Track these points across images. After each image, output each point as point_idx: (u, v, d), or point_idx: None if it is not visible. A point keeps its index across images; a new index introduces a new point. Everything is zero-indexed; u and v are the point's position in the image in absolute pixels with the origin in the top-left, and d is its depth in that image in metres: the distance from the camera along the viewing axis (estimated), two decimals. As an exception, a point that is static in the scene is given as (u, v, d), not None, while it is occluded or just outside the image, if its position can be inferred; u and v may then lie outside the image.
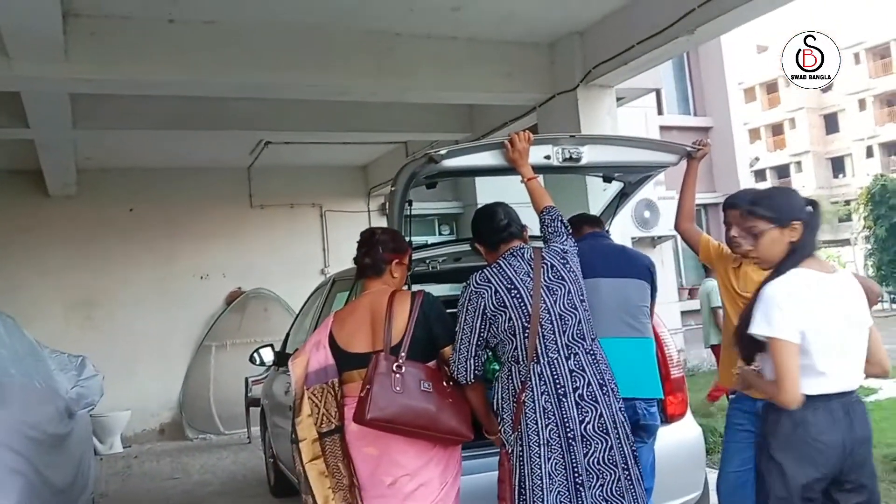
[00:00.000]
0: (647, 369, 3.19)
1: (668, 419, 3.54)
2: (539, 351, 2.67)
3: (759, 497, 2.49)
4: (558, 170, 3.28)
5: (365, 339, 2.71)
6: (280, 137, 8.07)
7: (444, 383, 2.69)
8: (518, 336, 2.69)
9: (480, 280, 2.76)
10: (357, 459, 2.65)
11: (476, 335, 2.71)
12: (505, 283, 2.73)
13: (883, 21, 36.68)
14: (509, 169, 3.06)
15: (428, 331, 2.71)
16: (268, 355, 5.46)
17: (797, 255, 2.38)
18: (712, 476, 3.66)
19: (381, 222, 9.01)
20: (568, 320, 2.74)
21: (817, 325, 2.30)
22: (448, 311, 2.88)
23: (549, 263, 2.80)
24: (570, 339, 2.73)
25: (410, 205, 3.27)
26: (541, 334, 2.68)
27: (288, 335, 5.94)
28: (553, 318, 2.71)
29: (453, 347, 2.73)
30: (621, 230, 6.40)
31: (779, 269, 2.38)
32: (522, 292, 2.71)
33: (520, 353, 2.69)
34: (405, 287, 3.02)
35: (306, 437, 2.66)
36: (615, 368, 2.84)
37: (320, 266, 10.19)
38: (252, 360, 5.51)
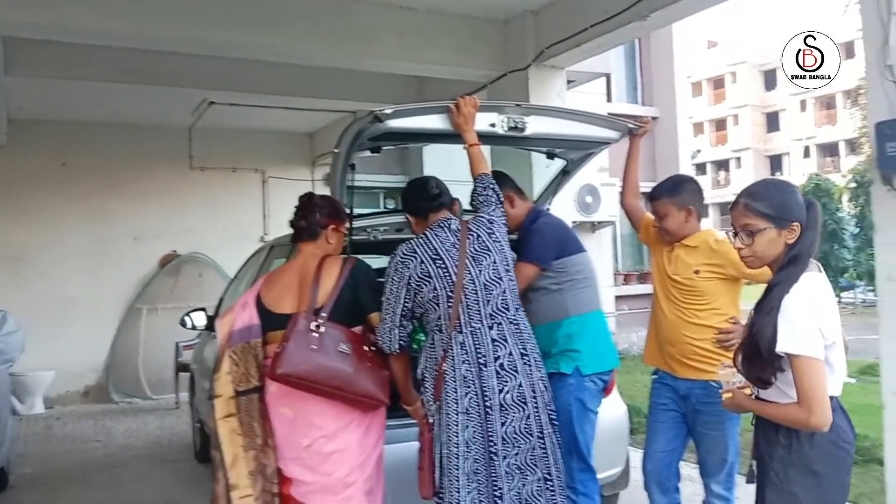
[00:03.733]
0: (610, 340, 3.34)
1: (596, 396, 3.61)
2: (462, 320, 2.70)
3: None
4: (503, 140, 3.29)
5: (291, 301, 2.70)
6: (225, 98, 7.85)
7: (366, 348, 2.69)
8: (442, 305, 2.70)
9: (406, 251, 2.77)
10: (274, 420, 2.63)
11: (401, 305, 2.72)
12: (430, 253, 2.75)
13: (829, 26, 37.77)
14: (455, 135, 3.05)
15: (355, 296, 2.71)
16: (199, 319, 5.34)
17: (803, 259, 2.13)
18: (633, 454, 3.76)
19: (326, 192, 8.94)
20: (492, 290, 2.76)
21: (832, 328, 2.11)
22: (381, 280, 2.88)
23: (475, 233, 2.83)
24: (495, 308, 2.76)
25: (353, 169, 3.23)
26: (465, 303, 2.70)
27: (222, 300, 5.83)
28: (478, 288, 2.73)
29: (380, 317, 2.73)
30: (562, 213, 6.49)
31: (789, 276, 2.11)
32: (447, 262, 2.73)
33: (443, 322, 2.71)
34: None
35: (222, 393, 2.65)
36: (604, 341, 3.04)
37: (260, 233, 10.01)
38: (183, 323, 5.39)
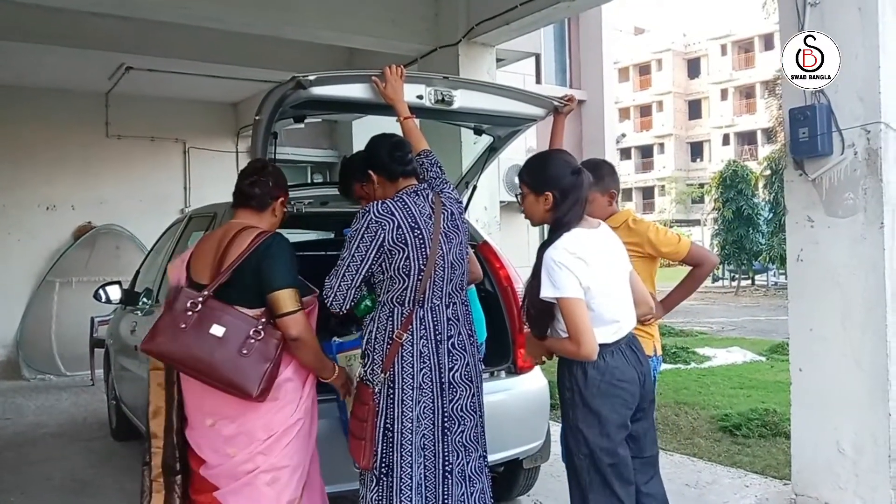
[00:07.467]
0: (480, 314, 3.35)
1: (518, 371, 3.67)
2: (426, 295, 2.66)
3: (571, 458, 2.53)
4: (431, 113, 3.24)
5: (206, 270, 2.54)
6: (143, 63, 7.55)
7: (253, 332, 2.44)
8: (412, 277, 2.62)
9: (382, 210, 2.61)
10: (187, 392, 2.55)
11: (367, 266, 2.58)
12: (409, 220, 2.63)
13: (751, 18, 38.89)
14: (384, 107, 2.97)
15: (255, 274, 2.48)
16: (114, 293, 5.10)
17: (561, 224, 2.45)
18: (555, 428, 3.83)
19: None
20: (456, 269, 2.75)
21: (597, 278, 2.40)
22: (305, 253, 2.76)
23: (448, 210, 2.77)
24: (454, 288, 2.76)
25: (276, 138, 3.13)
26: (432, 279, 2.66)
27: (138, 273, 5.63)
28: (445, 266, 2.70)
29: (335, 274, 2.57)
30: (490, 191, 6.55)
31: (550, 240, 2.44)
32: (425, 234, 2.64)
33: (408, 294, 2.64)
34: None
35: None
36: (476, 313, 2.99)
37: (181, 205, 9.69)
38: (97, 296, 5.14)
